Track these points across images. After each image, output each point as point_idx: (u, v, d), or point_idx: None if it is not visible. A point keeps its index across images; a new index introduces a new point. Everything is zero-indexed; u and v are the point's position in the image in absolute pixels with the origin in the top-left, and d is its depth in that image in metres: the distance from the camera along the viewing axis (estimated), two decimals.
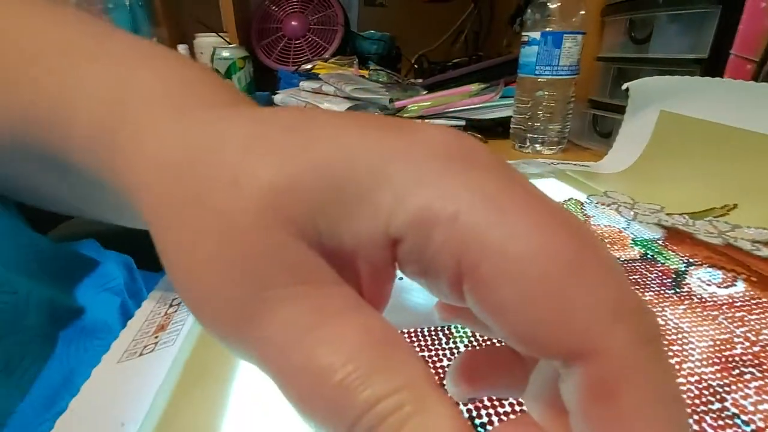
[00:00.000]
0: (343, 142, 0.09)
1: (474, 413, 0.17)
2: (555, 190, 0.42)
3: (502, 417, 0.17)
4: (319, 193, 0.09)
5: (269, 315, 0.09)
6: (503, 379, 0.12)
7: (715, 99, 0.44)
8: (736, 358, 0.20)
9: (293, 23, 1.02)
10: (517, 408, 0.17)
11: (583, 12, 0.55)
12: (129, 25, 0.98)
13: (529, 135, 0.60)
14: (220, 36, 0.93)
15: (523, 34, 0.57)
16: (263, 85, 0.91)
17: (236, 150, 0.10)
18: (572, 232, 0.08)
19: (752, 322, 0.23)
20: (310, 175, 0.09)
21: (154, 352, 0.20)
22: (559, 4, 0.54)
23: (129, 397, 0.17)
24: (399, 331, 0.09)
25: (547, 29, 0.55)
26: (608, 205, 0.38)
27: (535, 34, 0.55)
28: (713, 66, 0.47)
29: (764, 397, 0.18)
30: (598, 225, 0.35)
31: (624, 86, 0.51)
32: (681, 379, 0.19)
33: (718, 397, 0.18)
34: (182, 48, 0.87)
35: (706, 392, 0.18)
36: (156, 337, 0.21)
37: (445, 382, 0.13)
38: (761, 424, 0.17)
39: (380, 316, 0.09)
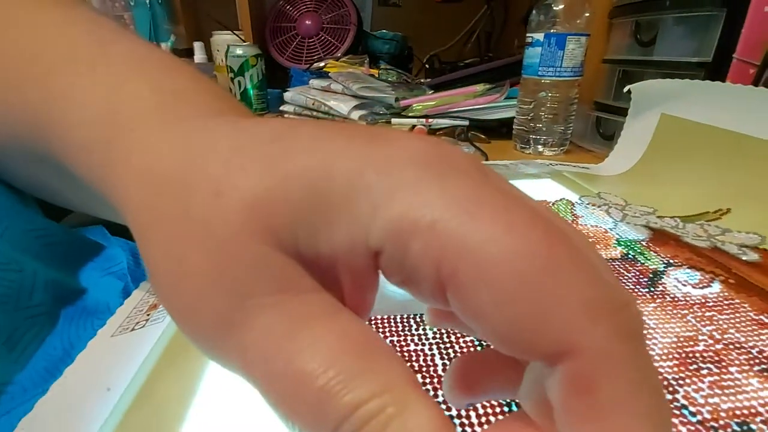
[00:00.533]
0: (322, 153, 0.09)
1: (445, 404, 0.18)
2: (548, 190, 0.43)
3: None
4: (298, 203, 0.09)
5: (250, 324, 0.09)
6: (499, 382, 0.12)
7: (715, 103, 0.44)
8: (697, 355, 0.21)
9: (307, 22, 1.04)
10: None
11: (587, 14, 0.55)
12: (149, 21, 1.01)
13: (531, 136, 0.60)
14: (235, 34, 0.95)
15: (527, 35, 0.57)
16: (275, 82, 0.93)
17: (218, 162, 0.10)
18: (549, 231, 0.08)
19: (720, 322, 0.23)
20: (288, 185, 0.09)
21: (144, 327, 0.21)
22: (563, 5, 0.54)
23: (118, 366, 0.19)
24: (378, 317, 0.09)
25: (552, 31, 0.55)
26: (599, 206, 0.39)
27: (539, 36, 0.55)
28: (717, 70, 0.46)
29: (717, 391, 0.19)
30: (586, 225, 0.35)
31: (626, 88, 0.51)
32: None
33: (670, 389, 0.19)
34: (198, 45, 0.90)
35: None
36: (148, 315, 0.22)
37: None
38: (708, 416, 0.18)
39: (360, 321, 0.10)
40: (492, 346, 0.09)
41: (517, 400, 0.13)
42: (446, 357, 0.20)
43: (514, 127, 0.63)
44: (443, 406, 0.18)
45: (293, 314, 0.09)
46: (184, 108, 0.13)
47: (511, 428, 0.10)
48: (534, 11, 0.57)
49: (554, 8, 0.54)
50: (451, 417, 0.17)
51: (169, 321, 0.22)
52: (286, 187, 0.09)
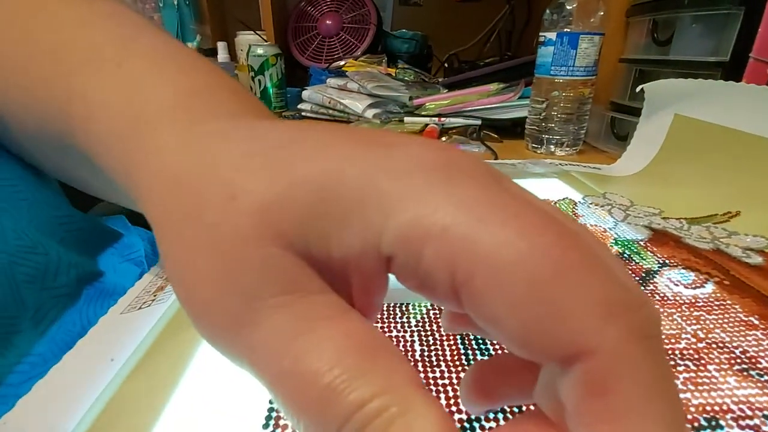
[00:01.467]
0: (331, 158, 0.10)
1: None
2: (553, 189, 0.43)
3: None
4: (308, 207, 0.09)
5: (259, 324, 0.09)
6: (515, 387, 0.12)
7: (729, 103, 0.43)
8: (677, 352, 0.21)
9: (328, 22, 1.06)
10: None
11: (601, 13, 0.54)
12: (176, 21, 1.06)
13: (544, 136, 0.60)
14: (258, 34, 0.98)
15: (540, 34, 0.57)
16: (296, 81, 0.96)
17: (230, 167, 0.10)
18: (561, 233, 0.08)
19: (707, 321, 0.23)
20: (298, 190, 0.09)
21: (150, 306, 0.23)
22: (576, 4, 0.54)
23: (122, 340, 0.21)
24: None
25: (565, 30, 0.55)
26: (602, 206, 0.39)
27: (551, 35, 0.55)
28: (734, 69, 0.45)
29: (690, 387, 0.19)
30: (585, 224, 0.35)
31: (638, 88, 0.50)
32: None
33: None
34: (221, 45, 0.93)
35: None
36: (154, 296, 0.24)
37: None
38: None
39: (366, 321, 0.10)
40: (507, 349, 0.09)
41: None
42: (425, 344, 0.21)
43: (526, 126, 0.63)
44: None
45: (301, 314, 0.09)
46: (200, 109, 0.13)
47: (528, 426, 0.10)
48: (547, 10, 0.57)
49: (567, 7, 0.54)
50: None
51: (172, 301, 0.23)
52: (296, 193, 0.09)
